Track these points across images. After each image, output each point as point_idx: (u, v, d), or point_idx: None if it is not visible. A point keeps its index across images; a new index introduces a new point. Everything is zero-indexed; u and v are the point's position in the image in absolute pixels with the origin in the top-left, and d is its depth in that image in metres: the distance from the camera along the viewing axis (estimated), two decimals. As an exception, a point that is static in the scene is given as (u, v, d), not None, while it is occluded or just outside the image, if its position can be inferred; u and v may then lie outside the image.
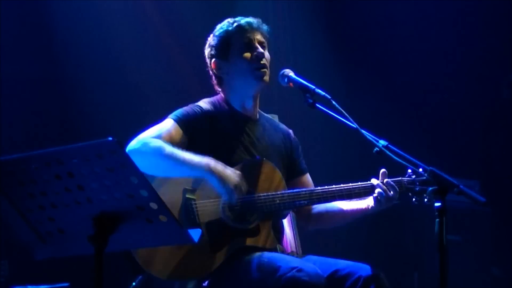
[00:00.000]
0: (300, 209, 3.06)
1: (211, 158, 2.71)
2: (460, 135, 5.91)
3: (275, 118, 3.48)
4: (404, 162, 2.42)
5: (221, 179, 2.67)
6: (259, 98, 3.05)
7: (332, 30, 6.13)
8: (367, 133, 2.57)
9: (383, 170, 2.84)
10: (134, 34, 5.57)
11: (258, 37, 2.97)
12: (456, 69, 5.87)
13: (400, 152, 2.44)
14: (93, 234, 1.97)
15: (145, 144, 2.74)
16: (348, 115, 2.61)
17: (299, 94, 2.81)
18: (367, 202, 2.89)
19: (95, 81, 5.35)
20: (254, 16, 3.09)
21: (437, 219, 2.21)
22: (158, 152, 2.70)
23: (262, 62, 2.92)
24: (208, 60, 3.03)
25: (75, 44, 5.32)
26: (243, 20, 2.98)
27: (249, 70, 2.92)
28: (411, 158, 2.41)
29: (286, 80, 2.86)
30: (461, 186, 2.24)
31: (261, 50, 2.93)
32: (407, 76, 5.99)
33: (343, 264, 2.78)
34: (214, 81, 3.04)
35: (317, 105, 2.73)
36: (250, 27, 2.96)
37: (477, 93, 5.99)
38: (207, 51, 3.03)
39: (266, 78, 2.92)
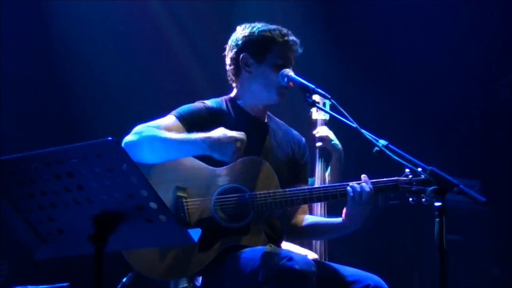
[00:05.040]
0: (290, 221, 3.04)
1: (204, 133, 2.70)
2: (460, 135, 5.92)
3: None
4: (404, 162, 2.42)
5: (219, 148, 2.66)
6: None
7: (332, 29, 6.13)
8: (367, 133, 2.57)
9: (363, 175, 2.81)
10: (134, 34, 5.57)
11: (292, 58, 2.96)
12: (456, 69, 5.88)
13: (400, 151, 2.44)
14: (93, 234, 1.96)
15: (139, 133, 2.75)
16: (348, 114, 2.61)
17: (299, 94, 2.80)
18: (343, 215, 2.85)
19: (95, 81, 5.35)
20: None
21: (437, 219, 2.20)
22: (154, 137, 2.71)
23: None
24: (234, 49, 2.96)
25: (74, 44, 5.32)
26: (291, 37, 2.94)
27: (275, 85, 2.90)
28: (411, 158, 2.40)
29: (285, 79, 2.86)
30: (461, 186, 2.23)
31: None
32: (407, 76, 6.00)
33: (352, 271, 2.80)
34: (231, 71, 3.00)
35: (317, 104, 2.73)
36: (294, 47, 2.94)
37: (477, 93, 6.00)
38: (239, 41, 2.95)
39: (283, 98, 2.93)
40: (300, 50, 2.97)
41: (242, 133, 2.72)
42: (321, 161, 4.05)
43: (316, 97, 2.84)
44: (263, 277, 2.52)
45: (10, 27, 4.99)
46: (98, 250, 1.96)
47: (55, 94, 5.35)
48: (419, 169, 2.38)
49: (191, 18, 5.72)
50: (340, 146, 4.01)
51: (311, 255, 3.73)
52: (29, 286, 4.27)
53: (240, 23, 3.05)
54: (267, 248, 2.71)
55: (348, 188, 2.76)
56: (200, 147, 2.68)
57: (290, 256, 2.52)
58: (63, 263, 4.29)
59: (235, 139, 2.67)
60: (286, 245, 3.64)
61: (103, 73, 5.37)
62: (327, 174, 4.12)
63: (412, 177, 2.74)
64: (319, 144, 4.00)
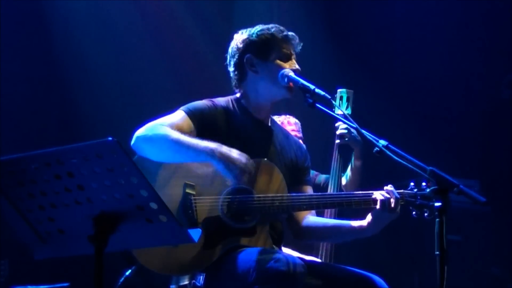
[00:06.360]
0: (290, 220, 3.04)
1: (217, 143, 2.69)
2: (460, 135, 5.92)
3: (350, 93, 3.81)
4: (404, 162, 2.42)
5: (227, 163, 2.64)
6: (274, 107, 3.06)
7: (332, 29, 6.13)
8: (367, 133, 2.57)
9: (389, 186, 2.82)
10: (134, 34, 5.57)
11: (294, 51, 2.99)
12: (456, 69, 5.88)
13: (400, 152, 2.44)
14: (93, 234, 1.97)
15: (152, 130, 2.74)
16: (348, 114, 2.61)
17: (299, 94, 2.80)
18: (366, 220, 2.85)
19: (95, 81, 5.35)
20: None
21: (437, 219, 2.20)
22: (165, 137, 2.70)
23: None
24: (236, 54, 2.98)
25: (74, 44, 5.33)
26: (290, 33, 2.99)
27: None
28: (411, 158, 2.40)
29: (286, 80, 2.86)
30: (461, 186, 2.23)
31: (298, 67, 2.94)
32: (407, 76, 6.00)
33: (352, 271, 2.82)
34: (236, 77, 3.01)
35: (317, 105, 2.73)
36: (294, 42, 2.98)
37: (477, 93, 6.00)
38: (240, 45, 2.97)
39: (293, 92, 2.93)
40: (300, 45, 3.00)
41: (253, 165, 2.71)
42: (338, 161, 4.05)
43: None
44: (254, 278, 2.54)
45: (10, 27, 4.99)
46: (98, 250, 1.96)
47: (55, 94, 5.35)
48: (423, 184, 2.38)
49: (192, 18, 5.72)
50: (360, 139, 4.00)
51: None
52: (29, 286, 4.27)
53: (241, 23, 3.07)
54: (262, 249, 2.71)
55: (378, 195, 2.77)
56: (209, 155, 2.66)
57: (278, 258, 2.53)
58: (63, 263, 4.29)
59: (244, 167, 2.66)
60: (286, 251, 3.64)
61: (103, 73, 5.37)
62: (344, 178, 4.11)
63: (416, 191, 2.76)
64: (337, 141, 4.01)
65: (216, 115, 2.89)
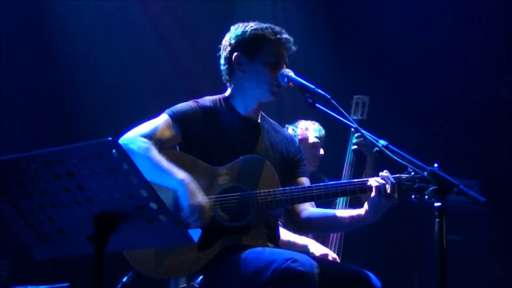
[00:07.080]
0: (290, 213, 3.04)
1: (190, 176, 2.68)
2: (460, 135, 5.92)
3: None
4: (404, 162, 2.42)
5: (189, 195, 2.63)
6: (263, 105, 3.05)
7: (332, 29, 6.13)
8: (367, 133, 2.57)
9: (384, 171, 2.81)
10: (134, 34, 5.57)
11: (286, 56, 2.96)
12: (456, 69, 5.88)
13: (400, 152, 2.44)
14: (93, 234, 1.97)
15: (132, 142, 2.74)
16: (348, 114, 2.61)
17: (299, 94, 2.80)
18: (364, 209, 2.83)
19: (95, 81, 5.35)
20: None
21: (437, 219, 2.21)
22: (143, 152, 2.70)
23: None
24: (227, 48, 2.98)
25: (74, 44, 5.32)
26: (283, 35, 2.94)
27: (268, 82, 2.91)
28: (411, 158, 2.41)
29: (286, 80, 2.86)
30: (461, 186, 2.24)
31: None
32: (407, 76, 6.00)
33: (345, 267, 2.82)
34: (225, 71, 3.01)
35: (317, 104, 2.73)
36: (286, 45, 2.94)
37: (477, 93, 6.01)
38: (232, 40, 2.96)
39: (276, 96, 2.94)
40: (293, 48, 2.97)
41: (209, 216, 2.68)
42: (350, 167, 4.09)
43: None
44: (268, 278, 2.52)
45: (10, 27, 4.99)
46: (98, 250, 1.96)
47: (55, 94, 5.34)
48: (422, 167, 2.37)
49: (191, 18, 5.72)
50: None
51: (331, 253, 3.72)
52: (29, 286, 4.27)
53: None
54: (270, 249, 2.71)
55: (373, 181, 2.74)
56: (175, 183, 2.66)
57: (294, 258, 2.52)
58: (63, 263, 4.30)
59: (202, 208, 2.63)
60: (301, 239, 3.61)
61: (103, 73, 5.37)
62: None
63: (414, 175, 2.73)
64: (354, 147, 4.06)
65: (201, 116, 2.89)
